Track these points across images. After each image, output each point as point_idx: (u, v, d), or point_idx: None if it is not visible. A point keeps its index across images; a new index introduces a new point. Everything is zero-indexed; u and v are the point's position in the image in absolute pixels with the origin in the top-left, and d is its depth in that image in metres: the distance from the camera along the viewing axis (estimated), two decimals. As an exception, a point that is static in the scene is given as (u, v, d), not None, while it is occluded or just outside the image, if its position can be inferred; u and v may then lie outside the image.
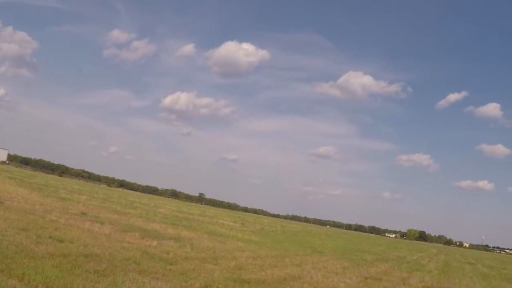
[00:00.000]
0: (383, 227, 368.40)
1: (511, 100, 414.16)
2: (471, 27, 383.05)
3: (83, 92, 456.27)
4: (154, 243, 23.98)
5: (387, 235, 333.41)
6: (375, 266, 34.62)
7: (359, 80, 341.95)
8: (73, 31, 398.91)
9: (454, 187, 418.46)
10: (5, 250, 14.74)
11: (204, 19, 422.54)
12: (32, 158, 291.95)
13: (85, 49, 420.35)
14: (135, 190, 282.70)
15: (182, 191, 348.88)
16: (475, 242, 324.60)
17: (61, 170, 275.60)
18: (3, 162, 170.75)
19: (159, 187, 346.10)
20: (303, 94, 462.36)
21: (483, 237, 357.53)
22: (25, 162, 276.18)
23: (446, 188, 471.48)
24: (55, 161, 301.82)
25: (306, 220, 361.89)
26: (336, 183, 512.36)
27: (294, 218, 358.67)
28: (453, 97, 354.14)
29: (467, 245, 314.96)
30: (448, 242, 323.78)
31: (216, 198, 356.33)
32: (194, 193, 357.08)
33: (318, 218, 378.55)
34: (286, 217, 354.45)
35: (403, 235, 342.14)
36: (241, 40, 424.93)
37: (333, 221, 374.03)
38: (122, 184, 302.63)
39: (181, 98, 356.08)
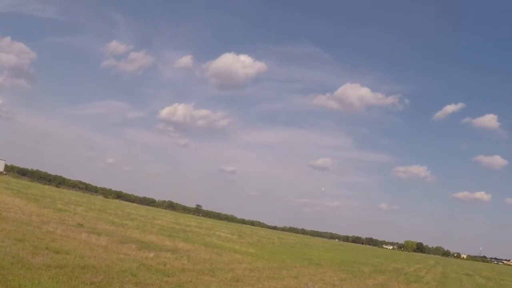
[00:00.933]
0: (380, 238, 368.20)
1: (508, 111, 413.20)
2: (468, 39, 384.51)
3: (80, 103, 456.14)
4: (151, 254, 23.93)
5: (384, 246, 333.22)
6: (372, 278, 34.57)
7: (356, 92, 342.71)
8: (71, 42, 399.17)
9: (452, 199, 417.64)
10: (2, 261, 14.70)
11: (202, 31, 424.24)
12: (29, 168, 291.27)
13: (83, 60, 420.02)
14: (132, 202, 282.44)
15: (179, 202, 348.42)
16: (472, 253, 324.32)
17: (58, 181, 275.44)
18: (0, 173, 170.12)
19: (156, 199, 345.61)
20: (300, 106, 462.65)
21: (481, 248, 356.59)
22: (22, 172, 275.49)
23: (443, 199, 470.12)
24: (52, 172, 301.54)
25: (303, 232, 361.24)
26: (333, 195, 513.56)
27: (291, 230, 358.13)
28: (450, 108, 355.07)
29: (465, 256, 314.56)
30: (446, 254, 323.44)
31: (213, 210, 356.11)
32: (191, 204, 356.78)
33: (316, 229, 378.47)
34: (283, 229, 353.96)
35: (400, 246, 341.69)
36: (238, 52, 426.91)
37: (330, 233, 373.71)
38: (119, 196, 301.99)
39: (179, 110, 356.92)
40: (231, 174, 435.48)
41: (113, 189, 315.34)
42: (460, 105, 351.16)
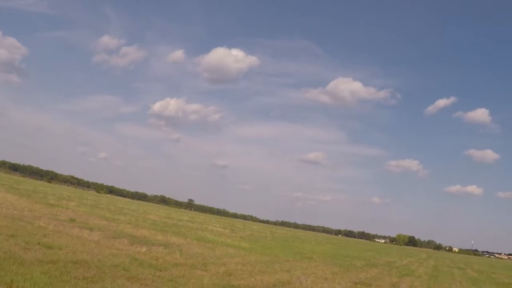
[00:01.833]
0: (372, 232, 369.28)
1: (500, 105, 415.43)
2: (460, 34, 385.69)
3: (72, 98, 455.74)
4: (143, 249, 23.92)
5: (376, 240, 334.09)
6: (364, 272, 34.63)
7: (349, 86, 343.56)
8: (63, 37, 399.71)
9: (443, 192, 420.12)
10: (-6, 257, 14.69)
11: (194, 26, 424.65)
12: (21, 164, 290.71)
13: (75, 55, 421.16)
14: (124, 196, 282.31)
15: (171, 197, 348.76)
16: (464, 247, 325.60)
17: (50, 176, 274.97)
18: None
19: (148, 193, 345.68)
20: (293, 100, 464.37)
21: (473, 242, 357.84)
22: (14, 168, 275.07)
23: (435, 193, 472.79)
24: (44, 167, 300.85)
25: (296, 226, 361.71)
26: (325, 189, 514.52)
27: (283, 224, 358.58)
28: (442, 102, 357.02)
29: (457, 249, 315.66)
30: (438, 247, 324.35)
31: (206, 204, 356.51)
32: (184, 199, 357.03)
33: (308, 223, 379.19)
34: (275, 223, 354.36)
35: (392, 240, 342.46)
36: (230, 46, 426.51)
37: (322, 227, 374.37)
38: (111, 190, 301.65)
39: (171, 104, 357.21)
40: (223, 169, 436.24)
41: (105, 184, 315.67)
42: (452, 99, 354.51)
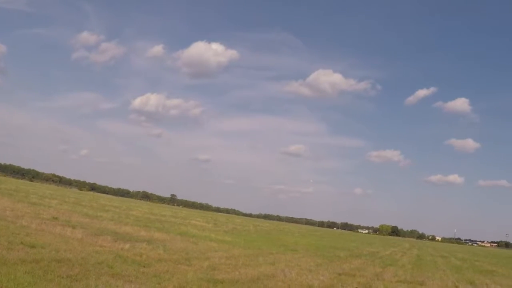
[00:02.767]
0: (355, 223, 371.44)
1: (480, 95, 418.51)
2: (439, 24, 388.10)
3: (52, 95, 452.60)
4: (127, 246, 23.90)
5: (359, 231, 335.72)
6: (348, 262, 34.83)
7: (329, 78, 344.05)
8: (42, 34, 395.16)
9: (425, 182, 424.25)
10: (-24, 258, 14.64)
11: (173, 20, 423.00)
12: (2, 163, 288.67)
13: (54, 52, 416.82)
14: (107, 193, 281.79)
15: (153, 192, 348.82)
16: (447, 236, 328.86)
17: (31, 175, 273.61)
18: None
19: (131, 190, 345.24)
20: (273, 93, 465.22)
21: (455, 231, 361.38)
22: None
23: (417, 183, 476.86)
24: (25, 166, 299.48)
25: (279, 218, 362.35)
26: (308, 181, 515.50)
27: (266, 217, 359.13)
28: (422, 93, 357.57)
29: (440, 238, 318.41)
30: (421, 237, 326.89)
31: (188, 199, 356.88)
32: (166, 194, 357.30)
33: (291, 216, 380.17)
34: (258, 216, 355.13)
35: (375, 230, 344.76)
36: (210, 40, 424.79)
37: (305, 219, 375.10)
38: (93, 188, 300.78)
39: (151, 100, 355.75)
40: (205, 163, 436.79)
41: (87, 181, 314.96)
42: (432, 89, 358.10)
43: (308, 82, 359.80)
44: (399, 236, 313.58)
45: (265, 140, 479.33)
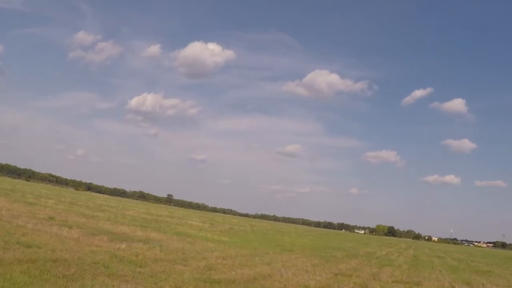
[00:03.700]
0: (352, 223, 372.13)
1: (476, 96, 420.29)
2: (436, 24, 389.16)
3: (48, 95, 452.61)
4: (123, 246, 23.89)
5: (356, 231, 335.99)
6: (344, 263, 34.84)
7: (325, 79, 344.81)
8: (38, 34, 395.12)
9: (422, 182, 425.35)
10: (-28, 257, 14.61)
11: (170, 20, 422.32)
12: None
13: (50, 52, 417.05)
14: (103, 193, 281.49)
15: (150, 192, 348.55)
16: (443, 236, 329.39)
17: (27, 175, 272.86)
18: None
19: (127, 190, 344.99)
20: (270, 93, 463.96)
21: (452, 231, 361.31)
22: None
23: (413, 183, 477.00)
24: (22, 165, 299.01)
25: (275, 218, 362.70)
26: (304, 181, 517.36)
27: (263, 217, 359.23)
28: (419, 93, 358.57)
29: (436, 239, 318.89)
30: (417, 237, 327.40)
31: (185, 199, 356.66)
32: (163, 194, 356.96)
33: (287, 216, 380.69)
34: (255, 216, 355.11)
35: (372, 231, 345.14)
36: (207, 40, 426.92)
37: (302, 219, 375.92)
38: (90, 187, 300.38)
39: (148, 99, 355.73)
40: (201, 163, 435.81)
41: (84, 181, 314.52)
42: (429, 89, 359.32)
43: (304, 82, 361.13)
44: (396, 236, 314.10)
45: (262, 140, 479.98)
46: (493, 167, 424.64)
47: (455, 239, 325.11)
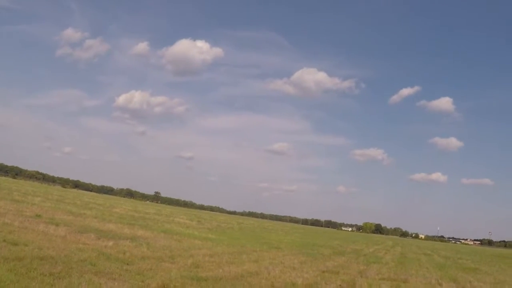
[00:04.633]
0: (339, 221, 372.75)
1: (463, 94, 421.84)
2: (423, 23, 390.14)
3: (35, 92, 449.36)
4: (110, 243, 23.86)
5: (343, 229, 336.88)
6: (332, 260, 34.97)
7: (313, 77, 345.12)
8: (26, 31, 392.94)
9: (409, 180, 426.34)
10: (-42, 255, 14.57)
11: (158, 17, 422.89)
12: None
13: (38, 49, 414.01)
14: (90, 191, 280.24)
15: (137, 190, 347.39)
16: (430, 234, 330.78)
17: (14, 172, 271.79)
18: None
19: (115, 187, 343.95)
20: (258, 91, 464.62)
21: (438, 228, 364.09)
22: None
23: (400, 181, 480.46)
24: (9, 163, 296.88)
25: (263, 216, 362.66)
26: (291, 179, 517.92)
27: (250, 214, 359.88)
28: (406, 91, 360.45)
29: (423, 236, 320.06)
30: (404, 234, 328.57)
31: (172, 197, 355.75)
32: (150, 192, 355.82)
33: (275, 214, 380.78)
34: (242, 214, 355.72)
35: (359, 228, 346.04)
36: (195, 37, 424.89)
37: (289, 217, 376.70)
38: (77, 185, 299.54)
39: (135, 97, 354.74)
40: (189, 160, 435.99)
41: (71, 178, 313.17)
42: (416, 88, 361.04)
43: (292, 80, 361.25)
44: (383, 234, 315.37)
45: (249, 138, 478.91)
46: (480, 165, 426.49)
47: (442, 236, 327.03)
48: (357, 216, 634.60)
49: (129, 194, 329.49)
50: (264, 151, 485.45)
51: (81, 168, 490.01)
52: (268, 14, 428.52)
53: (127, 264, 18.42)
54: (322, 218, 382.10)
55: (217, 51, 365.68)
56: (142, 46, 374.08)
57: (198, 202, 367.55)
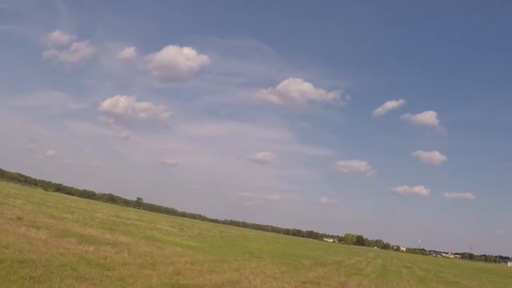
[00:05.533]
0: (321, 231, 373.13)
1: (447, 108, 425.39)
2: (409, 35, 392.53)
3: (20, 93, 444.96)
4: (91, 248, 23.77)
5: (325, 239, 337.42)
6: (313, 271, 34.97)
7: (299, 87, 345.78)
8: (12, 31, 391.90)
9: (391, 193, 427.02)
10: None
11: (146, 23, 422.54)
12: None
13: (24, 50, 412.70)
14: (72, 195, 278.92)
15: (119, 195, 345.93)
16: (412, 246, 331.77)
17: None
18: None
19: (97, 192, 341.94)
20: (243, 100, 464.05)
21: (420, 241, 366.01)
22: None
23: (383, 193, 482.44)
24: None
25: (244, 225, 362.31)
26: (274, 189, 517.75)
27: (232, 223, 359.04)
28: (390, 104, 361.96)
29: (404, 249, 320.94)
30: (386, 246, 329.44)
31: (154, 203, 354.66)
32: (132, 197, 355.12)
33: (256, 223, 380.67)
34: (224, 222, 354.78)
35: (341, 239, 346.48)
36: (182, 44, 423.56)
37: (271, 226, 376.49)
38: (59, 188, 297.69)
39: (120, 102, 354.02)
40: (172, 167, 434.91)
41: (53, 181, 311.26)
42: (401, 101, 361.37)
43: (278, 90, 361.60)
44: (364, 245, 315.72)
45: (233, 146, 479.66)
46: (462, 180, 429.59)
47: (423, 249, 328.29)
48: (339, 227, 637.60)
49: (111, 199, 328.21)
50: (247, 160, 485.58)
51: (64, 172, 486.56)
52: (255, 23, 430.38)
53: (108, 269, 18.35)
54: (304, 228, 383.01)
55: (204, 58, 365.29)
56: (129, 51, 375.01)
57: (180, 209, 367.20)
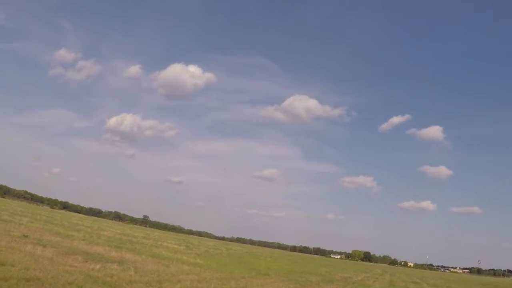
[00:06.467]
0: (328, 248, 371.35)
1: (453, 123, 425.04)
2: (414, 51, 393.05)
3: (26, 111, 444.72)
4: (98, 266, 23.69)
5: (332, 256, 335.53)
6: (320, 287, 34.81)
7: (304, 104, 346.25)
8: (19, 49, 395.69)
9: (398, 208, 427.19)
10: None
11: (151, 41, 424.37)
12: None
13: (31, 68, 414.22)
14: (79, 212, 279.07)
15: (126, 213, 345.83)
16: (419, 262, 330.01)
17: (2, 191, 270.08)
18: None
19: (103, 209, 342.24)
20: (248, 117, 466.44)
21: (427, 257, 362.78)
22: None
23: (390, 209, 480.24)
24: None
25: (251, 242, 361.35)
26: (280, 205, 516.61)
27: (239, 240, 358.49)
28: (396, 120, 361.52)
29: (412, 264, 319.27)
30: (393, 262, 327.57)
31: (161, 221, 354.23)
32: (138, 215, 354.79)
33: (263, 240, 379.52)
34: (231, 240, 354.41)
35: (348, 256, 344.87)
36: (187, 62, 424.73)
37: (278, 243, 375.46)
38: (65, 206, 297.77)
39: (126, 120, 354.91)
40: (178, 185, 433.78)
41: (59, 199, 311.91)
42: (406, 116, 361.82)
43: (283, 107, 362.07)
44: (372, 261, 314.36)
45: (239, 163, 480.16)
46: (469, 194, 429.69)
47: (431, 264, 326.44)
48: (346, 243, 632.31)
49: (117, 217, 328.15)
50: (253, 177, 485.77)
51: (70, 190, 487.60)
52: (261, 40, 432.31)
53: (114, 287, 18.26)
54: (311, 245, 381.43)
55: (209, 76, 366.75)
56: (135, 69, 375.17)
57: (186, 226, 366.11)
